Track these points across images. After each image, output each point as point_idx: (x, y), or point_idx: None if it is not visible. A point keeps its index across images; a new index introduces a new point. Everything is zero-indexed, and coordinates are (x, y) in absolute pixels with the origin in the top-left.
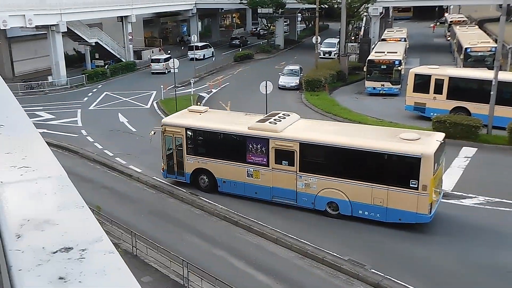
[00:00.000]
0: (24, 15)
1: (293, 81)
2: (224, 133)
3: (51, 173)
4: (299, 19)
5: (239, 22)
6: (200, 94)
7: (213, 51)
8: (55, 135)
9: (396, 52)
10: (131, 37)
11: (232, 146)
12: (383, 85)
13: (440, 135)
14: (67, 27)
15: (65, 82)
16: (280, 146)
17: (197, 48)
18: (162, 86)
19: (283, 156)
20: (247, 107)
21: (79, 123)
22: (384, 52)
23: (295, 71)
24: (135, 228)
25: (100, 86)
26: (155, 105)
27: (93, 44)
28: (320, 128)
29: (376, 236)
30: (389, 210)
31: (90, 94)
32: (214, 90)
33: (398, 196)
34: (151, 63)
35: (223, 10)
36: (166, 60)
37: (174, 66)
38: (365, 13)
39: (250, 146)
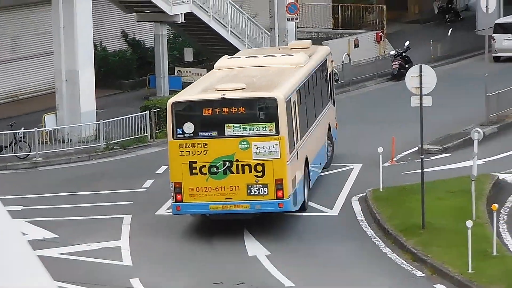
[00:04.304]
0: None
1: None
2: None
3: None
4: None
5: None
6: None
7: None
8: None
9: None
10: (295, 7)
11: None
12: None
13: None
14: None
15: (94, 131)
16: None
17: None
18: (381, 151)
19: None
20: None
21: (126, 258)
22: None
23: None
24: None
25: None
26: (356, 207)
27: (179, 22)
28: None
29: None
30: None
31: (161, 168)
32: None
33: None
34: (494, 37)
35: None
36: None
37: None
38: None
39: None
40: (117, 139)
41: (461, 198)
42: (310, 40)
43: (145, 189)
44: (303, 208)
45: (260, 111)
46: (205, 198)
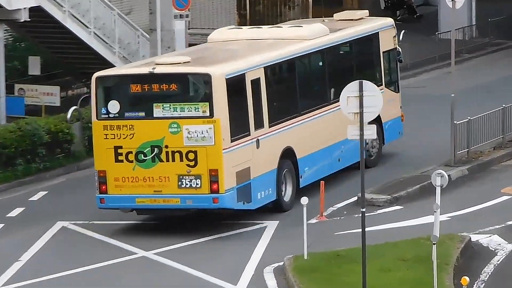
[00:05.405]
0: None
1: None
2: None
3: None
4: None
5: None
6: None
7: None
8: None
9: None
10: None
11: None
12: None
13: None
14: None
15: None
16: None
17: None
18: (305, 203)
19: None
20: None
21: None
22: None
23: None
24: None
25: (44, 188)
26: (270, 281)
27: (21, 20)
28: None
29: None
30: None
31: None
32: None
33: None
34: None
35: None
36: None
37: None
38: None
39: None
40: None
41: (418, 268)
42: (367, 11)
43: None
44: (280, 208)
45: (193, 89)
46: (132, 190)
